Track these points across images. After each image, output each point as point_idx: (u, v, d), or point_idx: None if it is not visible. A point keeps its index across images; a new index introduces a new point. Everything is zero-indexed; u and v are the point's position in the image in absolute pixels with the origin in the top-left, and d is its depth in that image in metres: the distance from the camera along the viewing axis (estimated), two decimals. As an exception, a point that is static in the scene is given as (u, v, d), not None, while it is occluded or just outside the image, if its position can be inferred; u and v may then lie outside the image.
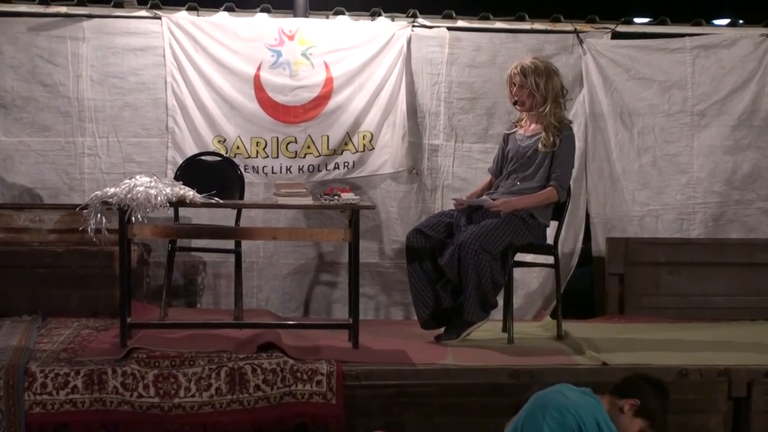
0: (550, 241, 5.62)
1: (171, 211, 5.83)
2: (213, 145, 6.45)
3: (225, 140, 6.48)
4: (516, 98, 5.49)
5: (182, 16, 6.52)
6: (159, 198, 4.88)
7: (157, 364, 4.65)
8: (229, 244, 5.91)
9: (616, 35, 6.86)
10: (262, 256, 6.58)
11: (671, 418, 4.14)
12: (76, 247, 5.86)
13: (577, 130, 6.28)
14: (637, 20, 7.41)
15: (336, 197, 5.11)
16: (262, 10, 6.69)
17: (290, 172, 6.53)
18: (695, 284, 6.49)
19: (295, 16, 6.68)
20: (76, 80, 6.44)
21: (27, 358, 4.69)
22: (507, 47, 6.69)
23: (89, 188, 6.23)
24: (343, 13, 6.74)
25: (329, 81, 6.53)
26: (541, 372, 4.77)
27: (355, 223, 5.09)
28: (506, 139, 5.66)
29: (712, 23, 7.48)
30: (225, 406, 4.63)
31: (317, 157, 6.55)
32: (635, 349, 5.26)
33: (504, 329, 5.56)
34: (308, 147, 6.54)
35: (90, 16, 6.46)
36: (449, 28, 6.70)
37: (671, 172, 6.80)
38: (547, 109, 5.39)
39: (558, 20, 6.82)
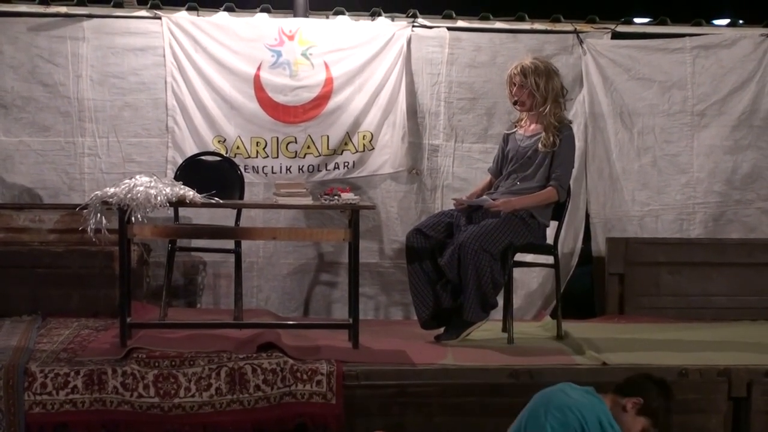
0: (550, 241, 5.62)
1: (171, 211, 5.83)
2: (213, 145, 6.45)
3: (225, 140, 6.48)
4: (516, 98, 5.49)
5: (182, 16, 6.52)
6: (159, 198, 4.88)
7: (157, 364, 4.65)
8: (229, 244, 5.91)
9: (616, 35, 6.86)
10: (262, 256, 6.58)
11: (671, 418, 4.15)
12: (76, 247, 5.86)
13: (577, 130, 6.28)
14: (637, 20, 7.42)
15: (336, 197, 5.11)
16: (262, 10, 6.69)
17: (290, 172, 6.53)
18: (695, 284, 6.49)
19: (295, 16, 6.68)
20: (76, 80, 6.44)
21: (27, 358, 4.68)
22: (507, 47, 6.69)
23: (89, 188, 6.23)
24: (343, 13, 6.74)
25: (329, 81, 6.53)
26: (541, 372, 4.77)
27: (355, 223, 5.09)
28: (506, 139, 5.66)
29: (712, 23, 7.48)
30: (225, 406, 4.63)
31: (317, 157, 6.55)
32: (635, 349, 5.26)
33: (504, 329, 5.56)
34: (308, 147, 6.54)
35: (90, 16, 6.46)
36: (449, 28, 6.70)
37: (671, 172, 6.80)
38: (547, 109, 5.39)
39: (558, 20, 6.82)
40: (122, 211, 4.90)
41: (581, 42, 6.74)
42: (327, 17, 6.73)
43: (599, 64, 6.75)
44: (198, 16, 6.57)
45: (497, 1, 7.19)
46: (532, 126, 5.50)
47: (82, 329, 5.44)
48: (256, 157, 6.51)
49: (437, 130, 6.70)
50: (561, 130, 5.41)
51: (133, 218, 4.94)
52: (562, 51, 6.75)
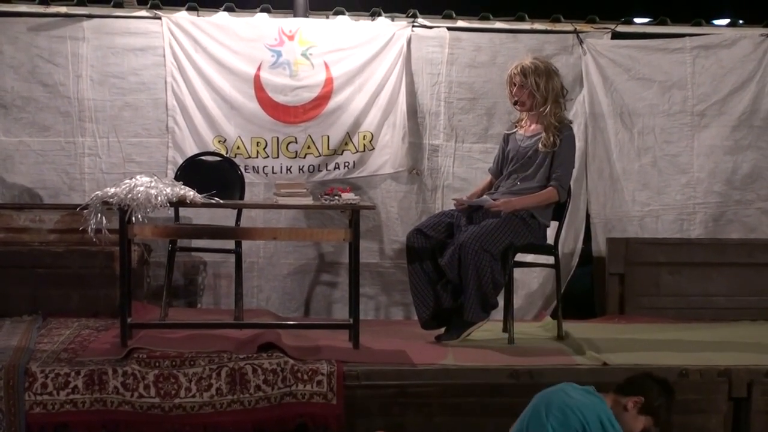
0: (550, 241, 5.62)
1: (171, 211, 5.83)
2: (213, 145, 6.45)
3: (225, 140, 6.48)
4: (516, 98, 5.49)
5: (182, 16, 6.52)
6: (159, 198, 4.88)
7: (157, 364, 4.65)
8: (230, 244, 5.91)
9: (616, 35, 6.86)
10: (263, 256, 6.58)
11: (671, 418, 4.15)
12: (76, 247, 5.86)
13: (577, 130, 6.28)
14: (637, 20, 7.42)
15: (336, 197, 5.11)
16: (262, 10, 6.69)
17: (290, 172, 6.53)
18: (695, 284, 6.49)
19: (295, 16, 6.68)
20: (76, 80, 6.44)
21: (27, 359, 4.68)
22: (507, 47, 6.69)
23: (89, 188, 6.23)
24: (343, 13, 6.74)
25: (329, 81, 6.53)
26: (542, 372, 4.77)
27: (355, 223, 5.09)
28: (506, 139, 5.66)
29: (712, 23, 7.48)
30: (225, 407, 4.63)
31: (317, 157, 6.55)
32: (636, 350, 5.26)
33: (504, 329, 5.56)
34: (308, 147, 6.54)
35: (90, 16, 6.46)
36: (449, 28, 6.70)
37: (671, 172, 6.80)
38: (548, 109, 5.39)
39: (558, 20, 6.82)
40: (123, 211, 4.90)
41: (581, 42, 6.74)
42: (327, 17, 6.73)
43: (599, 64, 6.75)
44: (198, 16, 6.57)
45: (497, 1, 7.19)
46: (533, 126, 5.50)
47: (83, 329, 5.44)
48: (257, 157, 6.51)
49: (437, 130, 6.70)
50: (561, 130, 5.41)
51: (133, 218, 4.94)
52: (562, 51, 6.75)
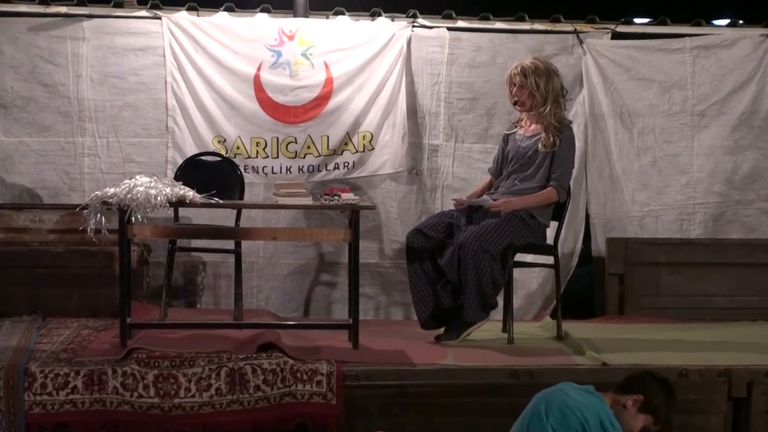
0: (550, 241, 5.62)
1: (171, 212, 5.83)
2: (213, 146, 6.45)
3: (225, 140, 6.48)
4: (516, 98, 5.49)
5: (182, 16, 6.52)
6: (159, 198, 4.88)
7: (157, 364, 4.65)
8: (229, 244, 5.91)
9: (616, 35, 6.85)
10: (262, 256, 6.58)
11: (671, 418, 4.15)
12: (76, 248, 5.86)
13: (577, 130, 6.28)
14: (637, 20, 7.41)
15: (336, 197, 5.11)
16: (262, 10, 6.69)
17: (290, 172, 6.53)
18: (695, 284, 6.49)
19: (295, 16, 6.68)
20: (76, 80, 6.44)
21: (27, 359, 4.68)
22: (507, 47, 6.69)
23: (89, 188, 6.23)
24: (343, 14, 6.74)
25: (329, 81, 6.53)
26: (541, 372, 4.77)
27: (355, 223, 5.09)
28: (506, 139, 5.66)
29: (712, 23, 7.48)
30: (225, 407, 4.63)
31: (317, 157, 6.55)
32: (635, 350, 5.26)
33: (504, 329, 5.56)
34: (308, 147, 6.54)
35: (90, 16, 6.45)
36: (449, 29, 6.70)
37: (671, 172, 6.80)
38: (547, 109, 5.39)
39: (558, 20, 6.82)
40: (122, 211, 4.90)
41: (581, 42, 6.74)
42: (327, 17, 6.73)
43: (599, 64, 6.74)
44: (198, 16, 6.56)
45: (497, 2, 7.19)
46: (532, 126, 5.50)
47: (82, 329, 5.44)
48: (256, 157, 6.51)
49: (437, 131, 6.70)
50: (561, 130, 5.41)
51: (133, 218, 4.94)
52: (562, 51, 6.74)
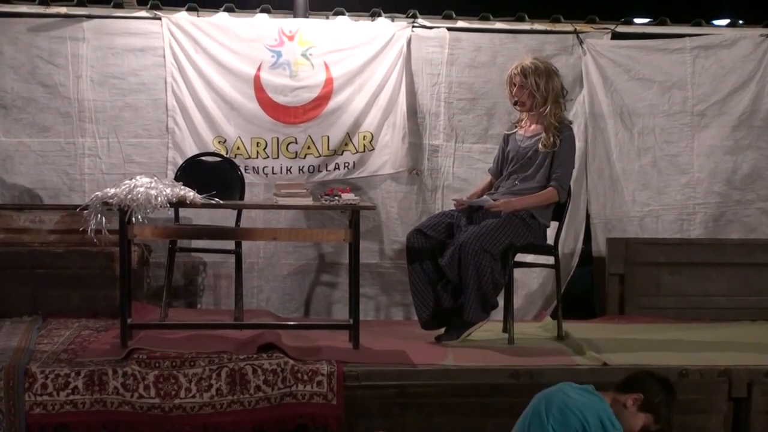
0: (550, 241, 5.62)
1: (171, 212, 5.83)
2: (213, 146, 6.45)
3: (225, 141, 6.48)
4: (516, 98, 5.49)
5: (182, 16, 6.52)
6: (159, 199, 4.88)
7: (157, 364, 4.65)
8: (230, 244, 5.91)
9: (616, 36, 6.86)
10: (263, 256, 6.58)
11: (671, 418, 4.15)
12: (76, 248, 5.86)
13: (577, 130, 6.28)
14: (637, 20, 7.42)
15: (336, 198, 5.11)
16: (261, 11, 6.69)
17: (290, 172, 6.53)
18: (695, 284, 6.49)
19: (295, 16, 6.68)
20: (76, 81, 6.44)
21: (27, 359, 4.69)
22: (507, 48, 6.69)
23: (89, 189, 6.23)
24: (343, 14, 6.74)
25: (329, 81, 6.53)
26: (542, 372, 4.77)
27: (355, 223, 5.09)
28: (506, 139, 5.66)
29: (712, 23, 7.48)
30: (225, 407, 4.63)
31: (317, 157, 6.55)
32: (636, 350, 5.26)
33: (504, 330, 5.56)
34: (308, 147, 6.54)
35: (90, 17, 6.46)
36: (449, 29, 6.70)
37: (671, 172, 6.80)
38: (548, 109, 5.39)
39: (558, 21, 6.82)
40: (123, 211, 4.90)
41: (581, 42, 6.74)
42: (327, 18, 6.73)
43: (599, 64, 6.75)
44: (198, 16, 6.56)
45: (497, 2, 7.19)
46: (533, 126, 5.50)
47: (83, 330, 5.44)
48: (257, 157, 6.51)
49: (437, 131, 6.70)
50: (561, 130, 5.41)
51: (133, 219, 4.94)
52: (562, 51, 6.75)
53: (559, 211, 5.59)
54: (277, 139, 6.52)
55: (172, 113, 6.49)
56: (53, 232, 6.00)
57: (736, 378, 4.85)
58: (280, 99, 6.52)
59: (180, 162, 6.26)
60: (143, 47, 6.47)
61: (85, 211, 4.98)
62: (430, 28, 6.68)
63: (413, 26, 6.65)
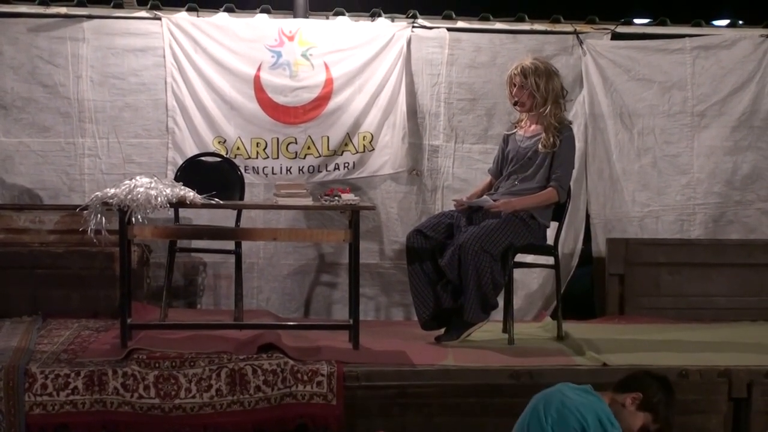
0: (550, 241, 5.62)
1: (171, 212, 5.83)
2: (213, 146, 6.45)
3: (225, 141, 6.48)
4: (516, 99, 5.48)
5: (182, 16, 6.52)
6: (159, 199, 4.88)
7: (157, 365, 4.65)
8: (230, 245, 5.91)
9: (615, 36, 6.86)
10: (263, 256, 6.58)
11: (671, 418, 4.15)
12: (76, 248, 5.86)
13: (577, 130, 6.28)
14: (636, 21, 7.42)
15: (336, 198, 5.11)
16: (261, 11, 6.69)
17: (290, 172, 6.53)
18: (695, 285, 6.49)
19: (295, 16, 6.68)
20: (76, 81, 6.44)
21: (27, 359, 4.68)
22: (507, 48, 6.69)
23: (89, 189, 6.22)
24: (343, 14, 6.74)
25: (329, 82, 6.53)
26: (542, 373, 4.77)
27: (355, 223, 5.09)
28: (506, 139, 5.65)
29: (712, 24, 7.48)
30: (225, 407, 4.63)
31: (317, 157, 6.55)
32: (635, 350, 5.26)
33: (504, 330, 5.56)
34: (308, 148, 6.54)
35: (90, 17, 6.46)
36: (449, 29, 6.70)
37: (671, 172, 6.80)
38: (547, 109, 5.39)
39: (558, 21, 6.82)
40: (122, 212, 4.90)
41: (581, 43, 6.74)
42: (327, 18, 6.73)
43: (599, 64, 6.75)
44: (198, 16, 6.57)
45: (497, 2, 7.19)
46: (532, 127, 5.50)
47: (83, 330, 5.44)
48: (257, 157, 6.51)
49: (437, 131, 6.70)
50: (561, 130, 5.41)
51: (133, 219, 4.94)
52: (562, 51, 6.75)
53: (558, 212, 5.59)
54: (277, 139, 6.52)
55: (172, 113, 6.49)
56: (53, 233, 6.00)
57: (736, 378, 4.85)
58: (280, 99, 6.52)
59: (180, 162, 6.26)
60: (143, 47, 6.47)
61: (85, 212, 4.98)
62: (430, 28, 6.69)
63: (413, 26, 6.65)
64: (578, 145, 6.02)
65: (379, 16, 6.71)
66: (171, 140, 6.49)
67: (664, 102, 6.79)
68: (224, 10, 6.62)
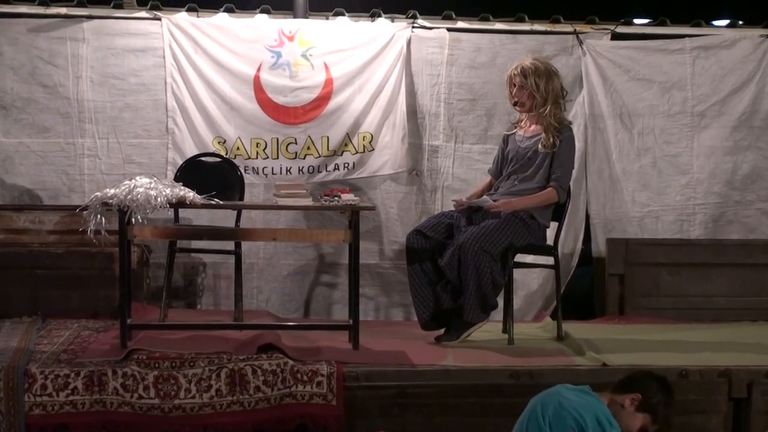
0: (550, 241, 5.62)
1: (171, 213, 5.82)
2: (213, 146, 6.45)
3: (225, 141, 6.48)
4: (516, 99, 5.48)
5: (182, 17, 6.52)
6: (159, 199, 4.88)
7: (157, 365, 4.65)
8: (229, 245, 5.91)
9: (615, 36, 6.86)
10: (262, 257, 6.58)
11: (671, 418, 4.15)
12: (76, 249, 5.86)
13: (577, 130, 6.29)
14: (636, 21, 7.43)
15: (336, 198, 5.11)
16: (261, 11, 6.69)
17: (290, 173, 6.54)
18: (695, 285, 6.49)
19: (294, 17, 6.68)
20: (76, 81, 6.44)
21: (27, 360, 4.68)
22: (507, 48, 6.69)
23: (89, 189, 6.22)
24: (342, 14, 6.74)
25: (329, 82, 6.53)
26: (541, 373, 4.77)
27: (355, 224, 5.09)
28: (506, 140, 5.65)
29: (712, 24, 7.48)
30: (225, 408, 4.63)
31: (317, 158, 6.55)
32: (635, 350, 5.26)
33: (504, 330, 5.56)
34: (308, 148, 6.54)
35: (90, 17, 6.46)
36: (449, 29, 6.70)
37: (671, 172, 6.80)
38: (547, 110, 5.39)
39: (558, 21, 6.82)
40: (122, 212, 4.90)
41: (581, 43, 6.74)
42: (327, 18, 6.73)
43: (599, 64, 6.75)
44: (198, 17, 6.57)
45: (497, 2, 7.19)
46: (532, 127, 5.50)
47: (82, 330, 5.44)
48: (256, 158, 6.51)
49: (437, 131, 6.70)
50: (561, 131, 5.41)
51: (133, 219, 4.94)
52: (562, 52, 6.75)
53: (558, 212, 5.59)
54: (277, 139, 6.52)
55: (171, 114, 6.49)
56: (53, 233, 6.00)
57: (736, 378, 4.85)
58: (279, 99, 6.52)
59: (180, 162, 6.26)
60: (143, 48, 6.47)
61: (85, 212, 4.98)
62: (430, 28, 6.69)
63: (413, 27, 6.65)
64: (578, 145, 6.02)
65: (379, 16, 6.71)
66: (171, 140, 6.49)
67: (664, 102, 6.79)
68: (224, 11, 6.62)
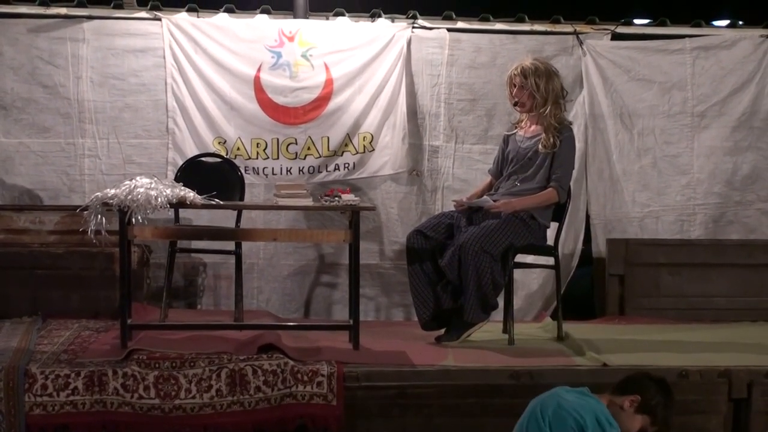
0: (550, 242, 5.62)
1: (171, 213, 5.83)
2: (213, 147, 6.45)
3: (225, 141, 6.48)
4: (516, 99, 5.48)
5: (182, 17, 6.52)
6: (159, 199, 4.88)
7: (157, 365, 4.65)
8: (230, 245, 5.91)
9: (615, 36, 6.86)
10: (263, 257, 6.58)
11: (671, 419, 4.14)
12: (76, 249, 5.86)
13: (577, 131, 6.29)
14: (636, 21, 7.43)
15: (336, 198, 5.11)
16: (262, 12, 6.69)
17: (290, 173, 6.54)
18: (695, 285, 6.49)
19: (295, 17, 6.68)
20: (76, 81, 6.44)
21: (27, 360, 4.68)
22: (507, 48, 6.70)
23: (89, 189, 6.22)
24: (343, 15, 6.74)
25: (329, 82, 6.53)
26: (542, 373, 4.77)
27: (355, 224, 5.09)
28: (506, 140, 5.66)
29: (712, 24, 7.48)
30: (225, 408, 4.63)
31: (317, 158, 6.56)
32: (635, 350, 5.26)
33: (504, 330, 5.56)
34: (308, 148, 6.54)
35: (90, 18, 6.46)
36: (449, 30, 6.70)
37: (671, 173, 6.80)
38: (548, 110, 5.39)
39: (558, 21, 6.82)
40: (122, 212, 4.90)
41: (581, 43, 6.74)
42: (327, 18, 6.73)
43: (599, 65, 6.75)
44: (198, 17, 6.57)
45: (497, 2, 7.19)
46: (533, 127, 5.50)
47: (83, 330, 5.44)
48: (257, 158, 6.51)
49: (437, 132, 6.70)
50: (561, 131, 5.41)
51: (133, 220, 4.94)
52: (562, 52, 6.75)
53: (559, 212, 5.59)
54: (277, 139, 6.52)
55: (172, 114, 6.49)
56: (53, 233, 6.00)
57: (736, 379, 4.84)
58: (280, 100, 6.52)
59: (180, 163, 6.26)
60: (143, 48, 6.47)
61: (85, 212, 4.98)
62: (430, 28, 6.69)
63: (413, 27, 6.66)
64: (578, 145, 6.02)
65: (379, 16, 6.71)
66: (171, 141, 6.49)
67: (664, 102, 6.79)
68: (224, 11, 6.62)
